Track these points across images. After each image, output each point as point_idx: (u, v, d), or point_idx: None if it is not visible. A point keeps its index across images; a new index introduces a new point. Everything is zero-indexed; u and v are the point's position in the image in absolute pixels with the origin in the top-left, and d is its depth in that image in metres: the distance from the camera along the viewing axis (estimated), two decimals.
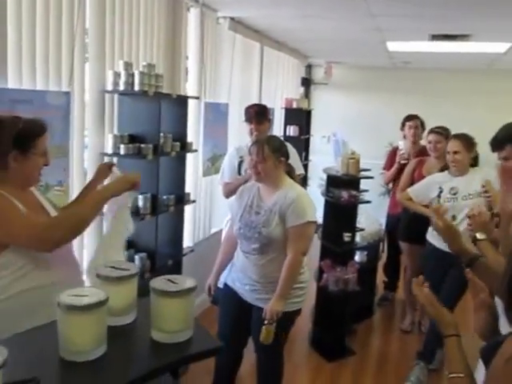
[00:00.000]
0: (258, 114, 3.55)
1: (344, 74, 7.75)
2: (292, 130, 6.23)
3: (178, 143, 3.16)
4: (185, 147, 3.23)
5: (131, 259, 3.02)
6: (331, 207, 3.86)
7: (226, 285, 2.74)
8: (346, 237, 3.84)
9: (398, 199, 3.87)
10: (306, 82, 7.89)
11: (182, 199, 3.33)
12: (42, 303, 1.61)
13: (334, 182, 3.83)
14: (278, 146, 2.52)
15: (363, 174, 3.86)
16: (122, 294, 1.08)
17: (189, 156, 4.11)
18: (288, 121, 6.29)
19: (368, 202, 3.85)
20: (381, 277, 4.93)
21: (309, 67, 7.94)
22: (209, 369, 3.04)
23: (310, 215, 2.40)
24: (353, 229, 3.89)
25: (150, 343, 1.09)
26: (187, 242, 4.28)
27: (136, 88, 2.79)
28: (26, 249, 1.68)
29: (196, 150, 3.45)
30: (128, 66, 2.83)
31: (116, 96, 3.01)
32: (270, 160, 2.44)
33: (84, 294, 1.09)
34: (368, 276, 4.58)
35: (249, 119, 3.60)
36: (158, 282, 1.05)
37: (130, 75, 2.79)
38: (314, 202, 2.52)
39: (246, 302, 2.60)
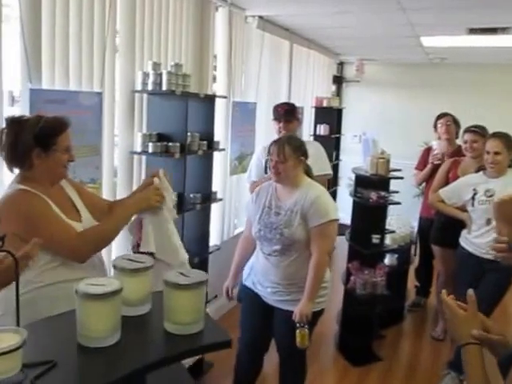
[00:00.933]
0: (287, 113, 3.65)
1: (377, 71, 7.77)
2: (322, 129, 6.32)
3: (205, 142, 3.30)
4: (212, 146, 3.37)
5: None
6: (359, 208, 3.92)
7: (246, 287, 2.78)
8: (375, 239, 3.89)
9: (429, 201, 3.83)
10: (338, 80, 7.95)
11: (208, 197, 3.47)
12: (65, 296, 1.67)
13: (362, 183, 3.88)
14: (298, 145, 2.59)
15: (393, 174, 3.89)
16: (137, 285, 1.18)
17: (216, 155, 4.26)
18: (318, 120, 6.37)
19: (398, 203, 3.88)
20: (412, 281, 4.94)
21: (341, 65, 8.00)
22: (229, 372, 3.16)
23: (332, 214, 2.45)
24: (382, 231, 3.94)
25: (162, 333, 1.17)
26: (214, 240, 4.44)
27: (164, 88, 2.94)
28: None
29: (223, 149, 3.59)
30: (156, 66, 3.00)
31: (145, 96, 3.18)
32: (290, 160, 2.49)
33: (101, 283, 1.17)
34: (398, 280, 4.60)
35: (277, 118, 3.70)
36: (171, 275, 1.16)
37: (158, 75, 2.96)
38: (333, 201, 2.59)
39: (267, 304, 2.64)
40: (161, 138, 3.15)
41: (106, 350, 1.13)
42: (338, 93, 8.09)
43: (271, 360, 3.08)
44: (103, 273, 2.01)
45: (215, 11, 3.92)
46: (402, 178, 3.88)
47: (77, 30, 2.64)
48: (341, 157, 7.15)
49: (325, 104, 6.29)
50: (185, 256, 2.00)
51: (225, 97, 3.76)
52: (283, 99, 5.40)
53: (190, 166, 3.28)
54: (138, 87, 3.05)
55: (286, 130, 3.68)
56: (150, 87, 2.99)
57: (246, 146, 4.53)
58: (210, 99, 3.36)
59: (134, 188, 3.27)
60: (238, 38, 4.30)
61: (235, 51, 4.26)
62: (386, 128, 7.53)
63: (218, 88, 4.19)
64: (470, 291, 1.37)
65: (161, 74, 2.96)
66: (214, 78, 4.15)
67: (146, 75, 3.00)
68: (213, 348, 1.22)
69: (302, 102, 5.99)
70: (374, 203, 3.76)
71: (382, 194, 3.78)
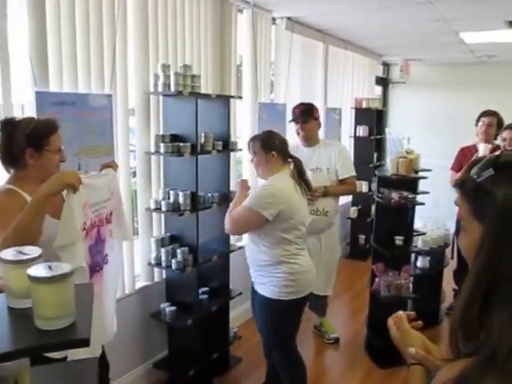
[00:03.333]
0: (303, 114, 3.54)
1: (424, 72, 7.39)
2: (362, 131, 6.08)
3: (220, 142, 3.23)
4: (228, 146, 3.29)
5: (174, 253, 3.15)
6: (382, 209, 3.72)
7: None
8: (398, 240, 3.67)
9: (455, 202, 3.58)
10: (383, 81, 7.64)
11: (226, 197, 3.39)
12: None
13: (384, 183, 3.68)
14: (267, 140, 2.61)
15: (417, 175, 3.66)
16: (20, 278, 1.11)
17: (245, 155, 4.19)
18: (358, 121, 6.15)
19: (421, 203, 3.63)
20: (448, 284, 4.63)
21: (386, 66, 7.68)
22: (256, 366, 3.22)
23: (253, 202, 2.49)
24: (406, 232, 3.70)
25: (32, 329, 1.10)
26: (246, 239, 4.36)
27: (172, 89, 2.90)
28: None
29: (241, 149, 3.50)
30: (165, 67, 2.95)
31: (161, 97, 3.16)
32: (259, 154, 2.60)
33: None
34: (431, 283, 4.34)
35: (294, 119, 3.59)
36: (35, 269, 1.07)
37: (167, 77, 2.91)
38: (279, 201, 2.48)
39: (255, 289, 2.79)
40: (175, 138, 3.11)
41: None
42: (384, 94, 7.78)
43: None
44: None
45: (237, 13, 3.84)
46: (425, 177, 3.64)
47: (84, 31, 2.64)
48: (386, 159, 6.85)
49: (364, 105, 6.05)
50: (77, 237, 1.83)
51: (240, 97, 3.67)
52: (318, 101, 5.25)
53: (205, 166, 3.22)
54: (151, 89, 3.02)
55: (303, 131, 3.57)
56: (160, 89, 2.96)
57: None
58: (225, 100, 3.28)
59: (153, 188, 3.28)
60: (264, 40, 4.19)
61: (261, 53, 4.16)
62: (433, 129, 7.19)
63: (245, 90, 4.11)
64: (400, 312, 1.30)
65: (170, 76, 2.91)
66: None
67: (156, 77, 2.97)
68: (69, 345, 1.11)
69: (339, 103, 5.79)
70: (395, 204, 3.54)
71: (405, 194, 3.55)
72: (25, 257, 1.11)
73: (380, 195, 3.66)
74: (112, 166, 2.17)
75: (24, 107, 2.60)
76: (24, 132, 1.84)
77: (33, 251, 1.14)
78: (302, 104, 3.64)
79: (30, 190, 1.85)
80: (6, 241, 1.66)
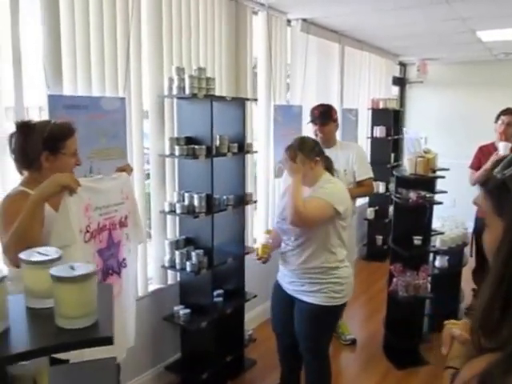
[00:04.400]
0: (323, 115, 3.46)
1: (441, 71, 7.21)
2: (379, 131, 5.95)
3: (235, 144, 3.16)
4: (243, 148, 3.22)
5: (189, 255, 3.09)
6: (399, 209, 3.61)
7: (277, 280, 2.81)
8: (416, 240, 3.56)
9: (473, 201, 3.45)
10: (400, 81, 7.49)
11: (242, 199, 3.32)
12: None
13: (402, 182, 3.57)
14: (309, 147, 2.53)
15: (434, 174, 3.54)
16: (40, 278, 1.08)
17: (260, 158, 4.13)
18: (375, 121, 6.03)
19: (439, 203, 3.51)
20: (467, 284, 4.49)
21: (403, 66, 7.53)
22: (271, 369, 3.16)
23: (327, 196, 2.41)
24: (424, 232, 3.58)
25: (54, 327, 1.08)
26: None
27: (187, 91, 2.84)
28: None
29: (256, 152, 3.43)
30: (180, 70, 2.90)
31: (175, 100, 3.11)
32: (303, 162, 2.47)
33: None
34: (450, 282, 4.21)
35: (313, 120, 3.52)
36: (57, 269, 1.04)
37: (182, 79, 2.86)
38: (346, 198, 2.50)
39: (288, 294, 2.66)
40: (190, 141, 3.05)
41: None
42: (402, 94, 7.62)
43: None
44: None
45: (252, 15, 3.76)
46: (443, 177, 3.52)
47: (98, 34, 2.60)
48: (404, 159, 6.71)
49: (381, 105, 5.93)
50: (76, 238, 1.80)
51: (255, 99, 3.59)
52: (334, 102, 5.14)
53: (220, 168, 3.15)
54: (166, 92, 2.97)
55: (322, 133, 3.49)
56: (174, 91, 2.90)
57: None
58: (241, 102, 3.21)
59: (168, 191, 3.23)
60: (279, 42, 4.11)
61: (276, 55, 4.08)
62: (450, 128, 7.03)
63: (260, 92, 4.04)
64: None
65: (184, 79, 2.86)
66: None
67: (171, 80, 2.92)
68: (92, 344, 1.07)
69: (355, 104, 5.68)
70: (413, 203, 3.43)
71: (423, 193, 3.43)
72: (45, 258, 1.08)
73: (398, 195, 3.55)
74: (126, 169, 2.16)
75: (41, 109, 2.56)
76: (41, 135, 1.82)
77: (52, 252, 1.11)
78: (321, 105, 3.56)
79: None
80: (8, 247, 1.64)
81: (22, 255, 1.12)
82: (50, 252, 1.12)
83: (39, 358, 1.18)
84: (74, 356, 1.56)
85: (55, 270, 1.02)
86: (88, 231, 1.89)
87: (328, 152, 3.50)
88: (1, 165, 2.29)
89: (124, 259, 2.15)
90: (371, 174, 3.56)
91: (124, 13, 2.72)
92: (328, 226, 2.47)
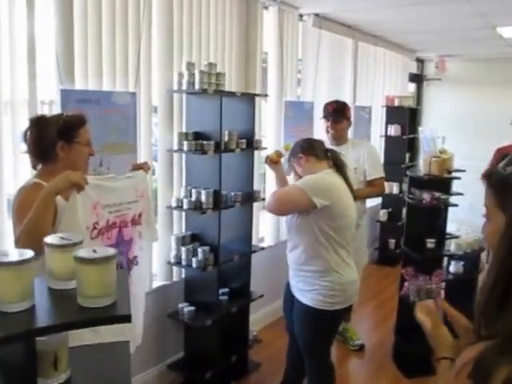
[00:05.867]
0: (336, 112, 3.60)
1: (460, 68, 7.35)
2: (393, 130, 6.10)
3: (243, 140, 3.34)
4: (252, 145, 3.40)
5: (195, 252, 3.27)
6: (412, 210, 3.74)
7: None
8: (430, 243, 3.69)
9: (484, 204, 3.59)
10: (417, 78, 7.63)
11: (250, 196, 3.49)
12: None
13: (415, 183, 3.71)
14: (295, 148, 2.75)
15: (450, 175, 3.68)
16: (63, 260, 1.26)
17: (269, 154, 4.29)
18: (390, 120, 6.17)
19: (455, 205, 3.65)
20: None
21: (421, 62, 7.67)
22: (276, 372, 3.24)
23: (305, 184, 2.53)
24: (438, 235, 3.72)
25: (76, 306, 1.24)
26: (268, 241, 4.46)
27: (196, 87, 3.03)
28: None
29: (265, 148, 3.60)
30: (190, 65, 3.09)
31: (184, 95, 3.29)
32: (292, 163, 2.73)
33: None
34: (465, 288, 4.32)
35: (325, 116, 3.66)
36: (81, 251, 1.22)
37: (192, 75, 3.04)
38: (328, 192, 2.54)
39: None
40: (198, 136, 3.23)
41: (17, 314, 1.17)
42: (419, 92, 7.77)
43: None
44: None
45: (262, 10, 3.95)
46: (458, 178, 3.66)
47: (110, 30, 2.80)
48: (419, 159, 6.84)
49: (396, 103, 6.07)
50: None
51: (266, 95, 3.77)
52: (346, 99, 5.29)
53: (228, 164, 3.33)
54: (175, 87, 3.16)
55: (334, 130, 3.64)
56: (184, 87, 3.09)
57: None
58: (250, 98, 3.39)
59: (175, 186, 3.41)
60: (290, 37, 4.29)
61: (287, 50, 4.26)
62: (470, 128, 7.13)
63: (270, 88, 4.21)
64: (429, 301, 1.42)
65: (194, 74, 3.04)
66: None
67: (181, 75, 3.10)
68: (111, 321, 1.25)
69: (369, 101, 5.84)
70: (427, 205, 3.57)
71: (437, 195, 3.57)
72: (68, 242, 1.26)
73: (411, 196, 3.69)
74: (144, 167, 2.36)
75: (52, 103, 2.75)
76: (55, 126, 2.01)
77: (75, 237, 1.30)
78: (335, 102, 3.70)
79: None
80: (20, 239, 1.81)
81: (48, 239, 1.30)
82: (73, 237, 1.30)
83: (60, 335, 1.37)
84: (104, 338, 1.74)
85: (79, 252, 1.21)
86: (96, 228, 2.08)
87: (338, 149, 3.68)
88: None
89: (135, 257, 2.33)
90: (382, 174, 3.71)
91: (136, 8, 2.93)
92: (312, 225, 2.52)
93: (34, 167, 2.10)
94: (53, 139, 2.00)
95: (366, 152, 3.67)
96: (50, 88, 2.63)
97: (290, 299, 2.82)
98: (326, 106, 3.71)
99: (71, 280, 1.26)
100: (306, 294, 2.62)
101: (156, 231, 2.50)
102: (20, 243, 1.80)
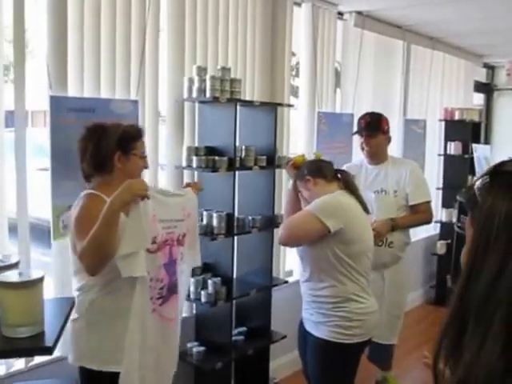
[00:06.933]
0: (370, 126, 3.52)
1: None
2: (453, 148, 5.90)
3: (263, 157, 3.29)
4: (273, 162, 3.34)
5: (204, 284, 3.21)
6: (463, 241, 3.55)
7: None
8: None
9: None
10: (486, 88, 7.41)
11: (271, 221, 3.42)
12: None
13: (465, 210, 3.53)
14: (302, 171, 2.73)
15: None
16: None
17: None
18: (449, 136, 5.99)
19: None
20: None
21: (490, 69, 7.45)
22: None
23: (316, 208, 2.52)
24: None
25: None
26: (297, 274, 4.35)
27: (207, 94, 3.00)
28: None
29: None
30: (201, 70, 3.07)
31: (196, 104, 3.28)
32: (300, 188, 2.72)
33: None
34: None
35: (358, 131, 3.58)
36: (5, 275, 1.19)
37: (203, 81, 3.03)
38: (342, 213, 2.54)
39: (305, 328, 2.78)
40: (211, 151, 3.20)
41: None
42: (488, 104, 7.53)
43: None
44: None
45: (293, 7, 3.90)
46: None
47: (110, 30, 2.81)
48: None
49: (457, 116, 5.89)
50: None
51: (291, 105, 3.71)
52: (395, 111, 5.20)
53: (245, 184, 3.30)
54: (185, 95, 3.14)
55: (369, 146, 3.55)
56: (194, 94, 3.07)
57: (339, 162, 4.39)
58: (272, 108, 3.34)
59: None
60: (327, 38, 4.23)
61: (322, 54, 4.21)
62: None
63: (301, 96, 4.16)
64: None
65: (205, 80, 3.02)
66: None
67: (191, 81, 3.09)
68: (30, 353, 1.22)
69: (423, 114, 5.69)
70: None
71: None
72: None
73: (460, 225, 3.53)
74: (192, 187, 2.52)
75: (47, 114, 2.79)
76: (114, 135, 2.19)
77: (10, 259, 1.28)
78: (369, 114, 3.62)
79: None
80: (85, 256, 1.95)
81: None
82: (7, 259, 1.28)
83: None
84: None
85: (2, 276, 1.18)
86: (155, 242, 2.21)
87: (376, 169, 3.59)
88: None
89: (176, 280, 2.40)
90: (429, 198, 3.57)
91: (140, 2, 2.93)
92: (326, 253, 2.53)
93: (87, 179, 2.26)
94: (111, 149, 2.18)
95: (409, 172, 3.54)
96: (42, 96, 2.67)
97: (303, 337, 2.80)
98: (359, 119, 3.64)
99: None
100: (321, 327, 2.62)
101: (199, 255, 2.59)
102: (85, 260, 1.96)
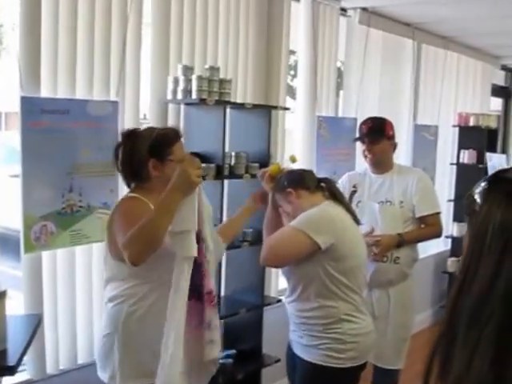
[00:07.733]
0: (372, 131, 3.50)
1: None
2: (467, 156, 5.90)
3: (256, 164, 3.28)
4: None
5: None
6: None
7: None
8: None
9: None
10: (505, 92, 7.43)
11: (261, 234, 3.41)
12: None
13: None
14: (281, 183, 2.68)
15: None
16: None
17: None
18: (463, 143, 6.00)
19: None
20: None
21: (509, 71, 7.47)
22: None
23: (303, 223, 2.49)
24: None
25: None
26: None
27: (193, 96, 3.00)
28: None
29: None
30: (187, 70, 3.07)
31: (182, 107, 3.28)
32: (280, 201, 2.68)
33: None
34: None
35: (360, 137, 3.57)
36: None
37: (189, 81, 3.03)
38: (332, 227, 2.50)
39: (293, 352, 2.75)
40: (199, 158, 3.19)
41: None
42: (507, 109, 7.54)
43: None
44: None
45: (291, 1, 3.91)
46: None
47: (88, 24, 2.80)
48: None
49: (472, 122, 5.89)
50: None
51: (286, 108, 3.71)
52: (404, 116, 5.20)
53: (235, 193, 3.30)
54: (169, 96, 3.14)
55: (371, 154, 3.53)
56: (179, 96, 3.07)
57: (341, 170, 4.39)
58: (265, 111, 3.34)
59: None
60: (328, 36, 4.24)
61: (323, 53, 4.21)
62: None
63: (299, 99, 4.16)
64: None
65: (191, 80, 3.02)
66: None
67: (176, 81, 3.09)
68: None
69: (435, 119, 5.69)
70: None
71: None
72: None
73: None
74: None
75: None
76: (146, 141, 2.23)
77: None
78: (371, 119, 3.61)
79: (154, 201, 2.11)
80: (132, 238, 1.97)
81: None
82: None
83: None
84: None
85: None
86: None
87: (381, 178, 3.58)
88: None
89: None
90: (438, 209, 3.55)
91: None
92: (316, 270, 2.50)
93: (129, 185, 2.36)
94: (143, 157, 2.22)
95: (416, 181, 3.52)
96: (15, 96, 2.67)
97: (292, 361, 2.77)
98: (361, 124, 3.63)
99: None
100: (312, 350, 2.57)
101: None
102: (132, 246, 1.98)
